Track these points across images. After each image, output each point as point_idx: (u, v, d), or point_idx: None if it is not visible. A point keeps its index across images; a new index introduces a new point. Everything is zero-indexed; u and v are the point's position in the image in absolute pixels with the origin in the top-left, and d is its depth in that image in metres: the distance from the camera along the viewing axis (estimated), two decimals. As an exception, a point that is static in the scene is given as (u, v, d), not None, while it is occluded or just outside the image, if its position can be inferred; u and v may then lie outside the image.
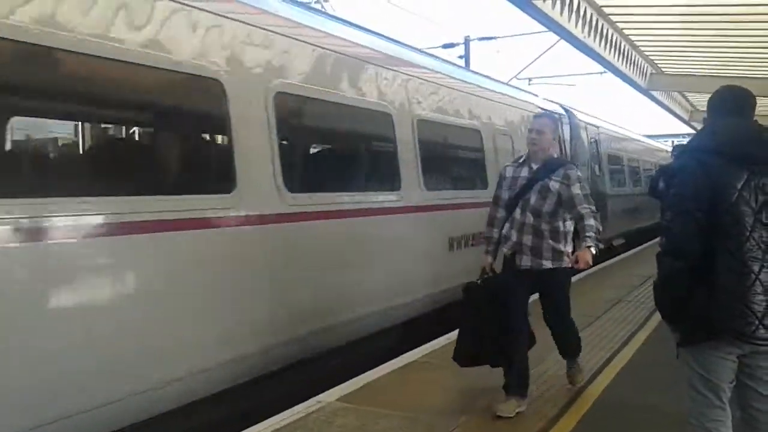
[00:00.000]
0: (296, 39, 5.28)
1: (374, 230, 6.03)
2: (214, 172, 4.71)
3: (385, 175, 6.59)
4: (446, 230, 7.35)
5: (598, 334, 6.63)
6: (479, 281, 4.68)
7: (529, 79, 22.50)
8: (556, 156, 4.75)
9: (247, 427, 4.16)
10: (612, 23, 10.65)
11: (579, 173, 4.59)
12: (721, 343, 2.79)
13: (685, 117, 21.66)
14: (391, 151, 6.56)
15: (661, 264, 2.86)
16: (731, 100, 3.02)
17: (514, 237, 4.53)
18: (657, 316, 6.54)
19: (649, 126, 58.23)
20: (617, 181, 15.46)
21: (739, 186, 2.73)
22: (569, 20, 9.18)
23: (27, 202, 3.30)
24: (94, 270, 3.68)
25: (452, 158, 8.49)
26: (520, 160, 4.76)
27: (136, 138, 5.08)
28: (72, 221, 3.48)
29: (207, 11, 4.37)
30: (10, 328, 3.21)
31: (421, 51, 8.50)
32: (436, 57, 9.27)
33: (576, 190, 4.46)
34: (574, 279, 5.31)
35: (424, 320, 6.95)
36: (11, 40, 3.25)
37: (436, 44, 27.66)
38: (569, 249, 4.56)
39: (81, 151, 4.62)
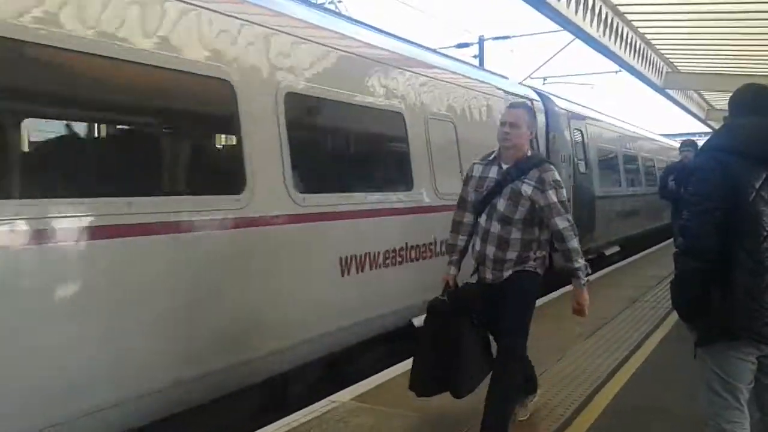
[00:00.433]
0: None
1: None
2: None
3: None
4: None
5: (614, 335, 6.60)
6: (443, 296, 4.10)
7: (544, 79, 21.99)
8: (530, 154, 4.07)
9: (264, 425, 4.18)
10: (627, 22, 10.60)
11: (556, 176, 3.92)
12: (739, 344, 2.76)
13: (702, 115, 21.53)
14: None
15: (678, 263, 2.83)
16: (751, 99, 2.98)
17: (477, 246, 4.03)
18: (673, 317, 6.52)
19: (666, 125, 57.96)
20: (610, 180, 13.56)
21: (757, 185, 2.70)
22: (584, 19, 9.16)
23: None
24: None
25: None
26: (490, 157, 4.12)
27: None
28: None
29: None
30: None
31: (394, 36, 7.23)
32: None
33: (552, 197, 3.83)
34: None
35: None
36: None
37: (450, 44, 27.67)
38: (542, 254, 4.01)
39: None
